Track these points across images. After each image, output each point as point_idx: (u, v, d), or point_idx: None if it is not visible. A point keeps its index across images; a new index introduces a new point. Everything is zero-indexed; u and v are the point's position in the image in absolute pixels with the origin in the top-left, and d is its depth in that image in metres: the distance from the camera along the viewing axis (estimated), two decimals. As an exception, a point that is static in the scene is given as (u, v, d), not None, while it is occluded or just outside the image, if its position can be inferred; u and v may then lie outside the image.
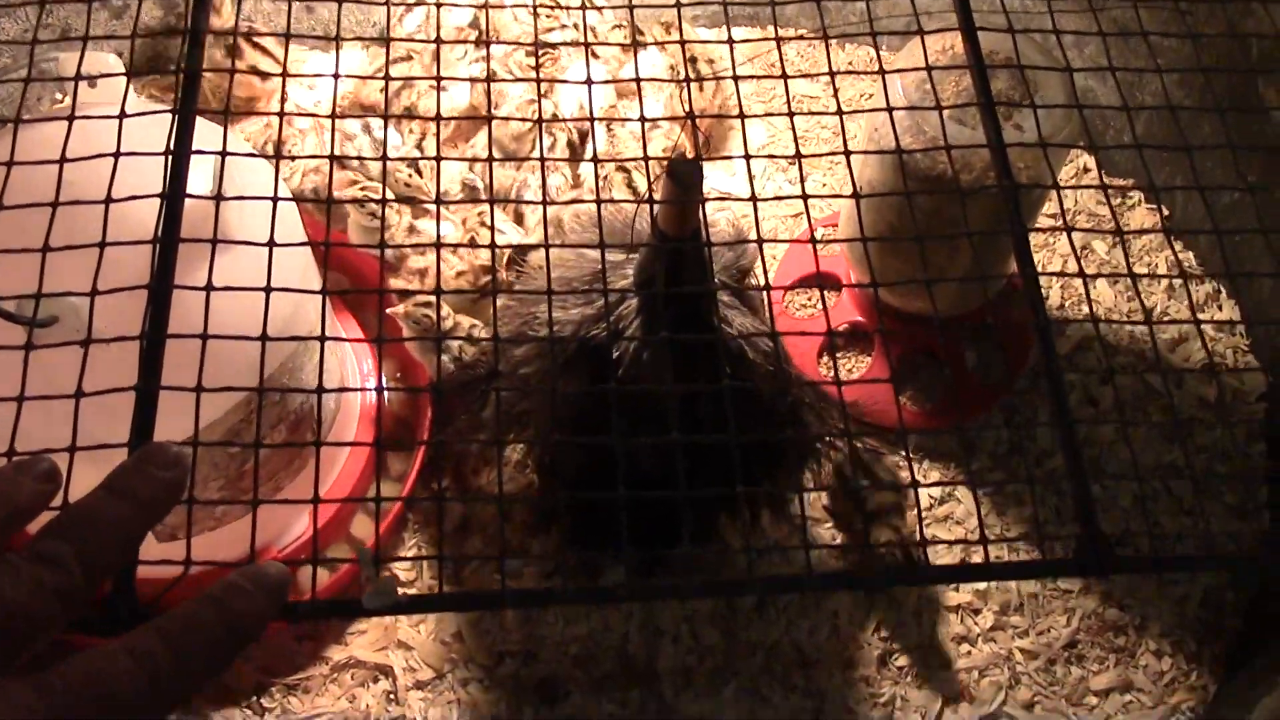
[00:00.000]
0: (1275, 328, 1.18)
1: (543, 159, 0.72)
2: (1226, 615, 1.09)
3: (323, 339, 0.66)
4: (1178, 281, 1.27)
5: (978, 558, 0.58)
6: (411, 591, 1.03)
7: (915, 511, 1.12)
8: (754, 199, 0.70)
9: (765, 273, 0.65)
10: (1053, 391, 0.66)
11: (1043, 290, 1.25)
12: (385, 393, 1.17)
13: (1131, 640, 1.08)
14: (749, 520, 1.00)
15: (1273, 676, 0.96)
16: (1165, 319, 1.25)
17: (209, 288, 0.64)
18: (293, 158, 1.16)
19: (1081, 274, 0.69)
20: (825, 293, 1.27)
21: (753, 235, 0.93)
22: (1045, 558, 1.01)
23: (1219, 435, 1.17)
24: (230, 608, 0.48)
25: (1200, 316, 1.24)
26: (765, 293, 0.66)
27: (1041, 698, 1.05)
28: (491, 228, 0.69)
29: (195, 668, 0.46)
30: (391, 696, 1.04)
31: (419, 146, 1.22)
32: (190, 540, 0.57)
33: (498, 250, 1.03)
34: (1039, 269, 1.28)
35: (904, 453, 1.14)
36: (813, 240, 0.70)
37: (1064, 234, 1.27)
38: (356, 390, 1.14)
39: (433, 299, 1.07)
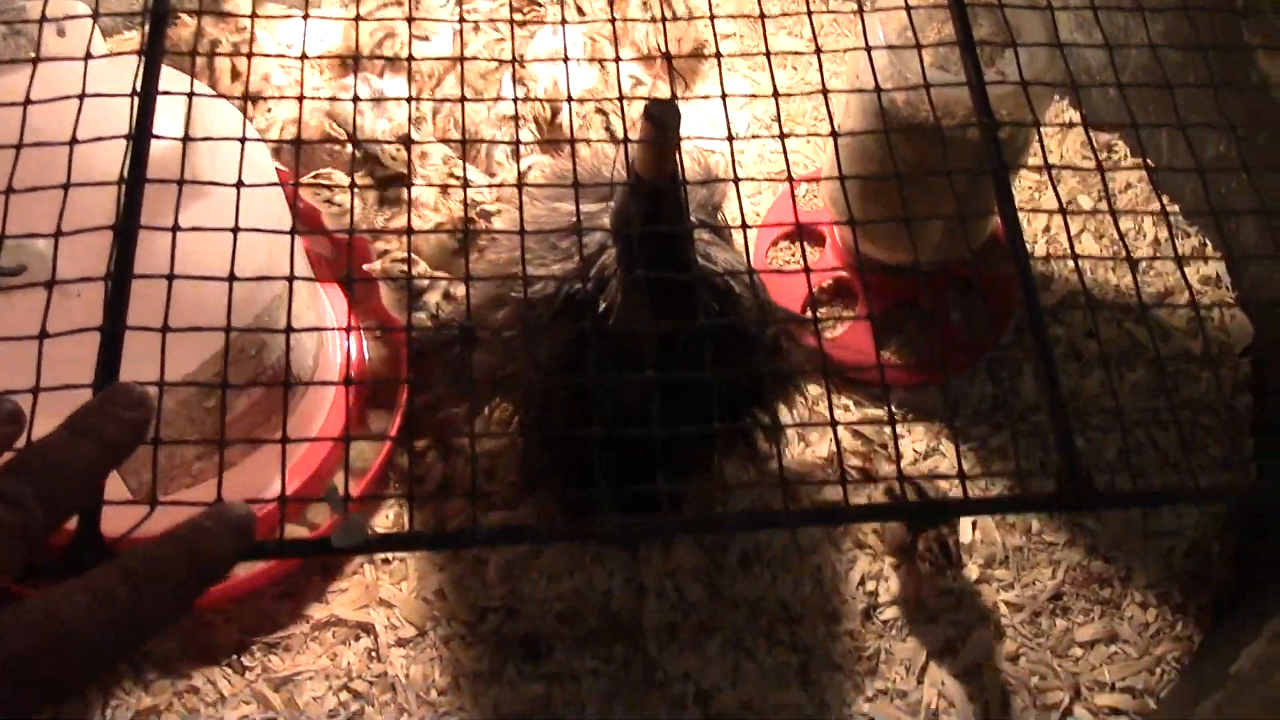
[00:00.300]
0: (1261, 279, 1.17)
1: (515, 100, 0.71)
2: (1213, 565, 1.09)
3: (291, 279, 0.65)
4: (1163, 235, 1.26)
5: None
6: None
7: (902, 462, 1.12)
8: (730, 138, 0.69)
9: (742, 212, 0.64)
10: (1034, 338, 0.65)
11: (1027, 245, 1.24)
12: (363, 344, 1.15)
13: (1117, 592, 1.08)
14: (746, 453, 1.00)
15: (1258, 625, 0.96)
16: (1151, 272, 1.24)
17: (175, 228, 0.63)
18: (261, 97, 1.14)
19: (1062, 210, 0.68)
20: (808, 247, 1.26)
21: (723, 173, 0.93)
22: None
23: (1205, 389, 1.17)
24: (195, 546, 0.47)
25: (1186, 269, 1.23)
26: (743, 230, 0.65)
27: (1026, 650, 1.05)
28: (464, 168, 0.68)
29: (158, 608, 0.44)
30: (373, 654, 1.04)
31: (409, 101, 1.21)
32: (156, 477, 0.56)
33: (470, 199, 1.01)
34: (1023, 223, 1.27)
35: (887, 406, 1.14)
36: (789, 179, 0.69)
37: (1048, 186, 1.26)
38: (328, 329, 1.12)
39: (403, 254, 1.06)
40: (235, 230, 0.64)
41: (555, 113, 1.18)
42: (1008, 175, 0.69)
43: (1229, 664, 0.96)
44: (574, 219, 0.71)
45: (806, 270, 0.64)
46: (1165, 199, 1.29)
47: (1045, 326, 0.65)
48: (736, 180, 0.66)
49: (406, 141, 0.69)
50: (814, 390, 1.13)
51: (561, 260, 0.89)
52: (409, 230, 0.65)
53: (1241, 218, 1.18)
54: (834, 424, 0.59)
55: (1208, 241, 1.26)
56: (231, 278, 0.64)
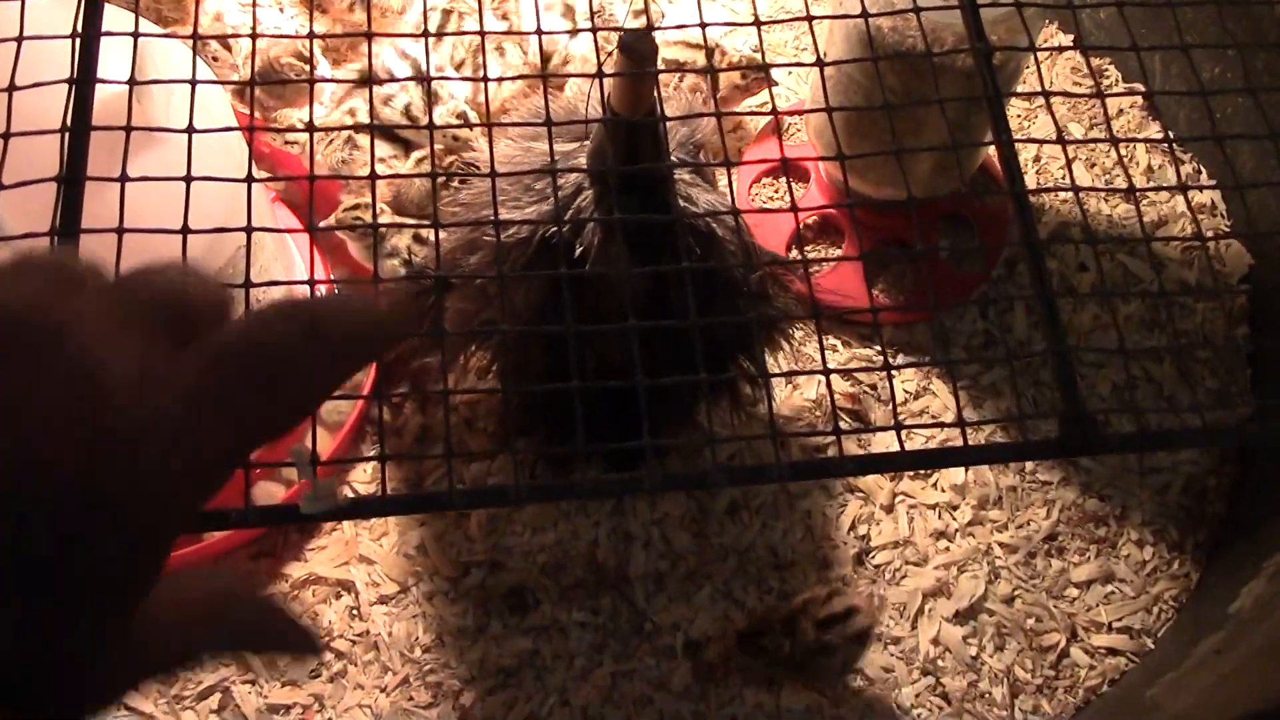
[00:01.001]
0: (1259, 207, 1.14)
1: (482, 34, 0.67)
2: (1209, 501, 1.07)
3: (249, 230, 0.61)
4: (1156, 163, 1.23)
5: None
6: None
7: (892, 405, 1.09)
8: (711, 69, 0.65)
9: (725, 148, 0.60)
10: (1032, 263, 0.62)
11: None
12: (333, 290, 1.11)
13: (1112, 531, 1.05)
14: (733, 402, 0.97)
15: (1258, 562, 0.94)
16: (1144, 201, 1.20)
17: (123, 178, 0.59)
18: (214, 37, 1.09)
19: (1061, 140, 0.64)
20: (793, 184, 1.22)
21: (703, 108, 0.89)
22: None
23: (1201, 320, 1.14)
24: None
25: (1179, 200, 1.20)
26: (726, 168, 0.61)
27: (1022, 591, 1.03)
28: (429, 109, 0.64)
29: (355, 346, 0.36)
30: (354, 612, 1.01)
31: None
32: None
33: (438, 132, 0.97)
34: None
35: (878, 345, 1.11)
36: (774, 112, 0.65)
37: (1036, 115, 1.23)
38: (292, 284, 1.08)
39: (366, 201, 1.03)
40: (188, 179, 0.61)
41: (547, 57, 1.13)
42: (1002, 102, 0.66)
43: (1228, 603, 0.94)
44: (549, 159, 0.68)
45: (794, 209, 0.61)
46: (1156, 127, 1.26)
47: (1044, 259, 0.62)
48: (719, 115, 0.63)
49: (369, 81, 0.65)
50: (799, 332, 1.10)
51: (536, 202, 0.86)
52: (373, 176, 0.61)
53: (1237, 144, 1.14)
54: (826, 372, 0.56)
55: (1202, 169, 1.22)
56: (185, 230, 0.60)
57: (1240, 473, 1.07)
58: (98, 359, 0.30)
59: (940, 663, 1.00)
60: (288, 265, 1.06)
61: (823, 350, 0.56)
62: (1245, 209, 1.17)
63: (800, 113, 1.23)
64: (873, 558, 1.04)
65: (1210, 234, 1.19)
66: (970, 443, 0.55)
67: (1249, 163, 1.14)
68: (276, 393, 0.33)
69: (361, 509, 0.58)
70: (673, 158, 0.83)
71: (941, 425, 0.53)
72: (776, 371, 0.83)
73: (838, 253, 1.17)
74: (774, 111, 0.66)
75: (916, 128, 1.00)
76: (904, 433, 0.56)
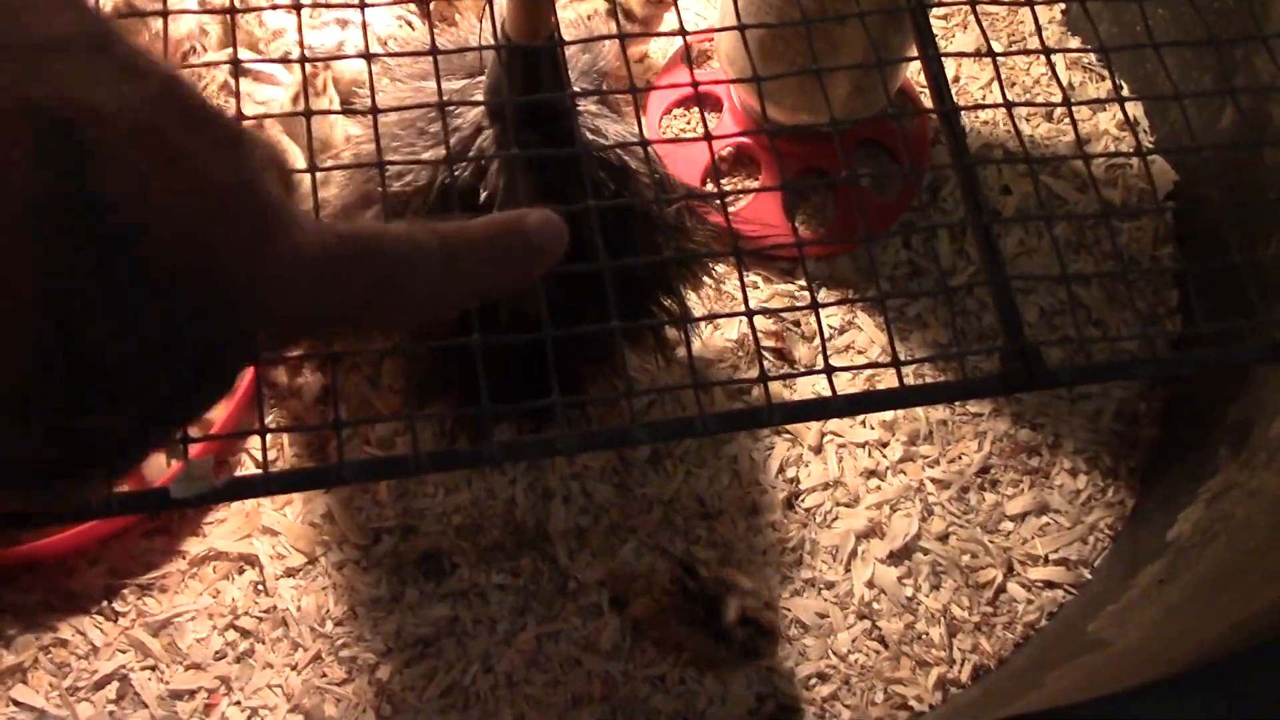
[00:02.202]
0: (1181, 121, 1.11)
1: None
2: (1141, 426, 1.04)
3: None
4: (1077, 80, 1.19)
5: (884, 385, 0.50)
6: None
7: (818, 341, 1.05)
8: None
9: (630, 75, 0.55)
10: (965, 186, 0.58)
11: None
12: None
13: (1045, 461, 1.03)
14: (657, 345, 0.92)
15: (1193, 486, 0.92)
16: (1066, 120, 1.17)
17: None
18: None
19: (992, 54, 0.60)
20: (706, 114, 1.16)
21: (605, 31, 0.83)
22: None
23: (1127, 240, 1.11)
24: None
25: (1100, 115, 1.16)
26: (633, 96, 0.55)
27: (956, 528, 1.00)
28: (300, 35, 0.57)
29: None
30: (259, 587, 0.95)
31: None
32: None
33: (311, 66, 0.90)
34: (925, 84, 1.19)
35: (800, 280, 1.06)
36: (682, 32, 0.60)
37: (958, 30, 1.18)
38: None
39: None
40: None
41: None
42: (927, 13, 0.61)
43: (1165, 530, 0.92)
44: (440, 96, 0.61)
45: (708, 137, 0.55)
46: (1077, 41, 1.22)
47: (977, 180, 0.58)
48: (621, 38, 0.57)
49: (232, 10, 0.58)
50: (719, 268, 1.05)
51: (433, 146, 0.79)
52: (238, 116, 0.55)
53: (1159, 58, 1.11)
54: (750, 313, 0.51)
55: (1124, 84, 1.19)
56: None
57: (1172, 395, 1.05)
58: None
59: (876, 605, 0.97)
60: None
61: (744, 289, 0.51)
62: (1166, 123, 1.14)
63: (710, 32, 1.17)
64: (802, 501, 1.00)
65: (1140, 149, 1.16)
66: (904, 382, 0.51)
67: (1172, 73, 1.10)
68: (394, 292, 0.36)
69: (241, 489, 0.52)
70: (575, 87, 0.77)
71: (875, 365, 0.49)
72: (697, 315, 0.77)
73: (756, 184, 1.11)
74: (682, 31, 0.60)
75: (833, 48, 0.95)
76: (834, 374, 0.52)
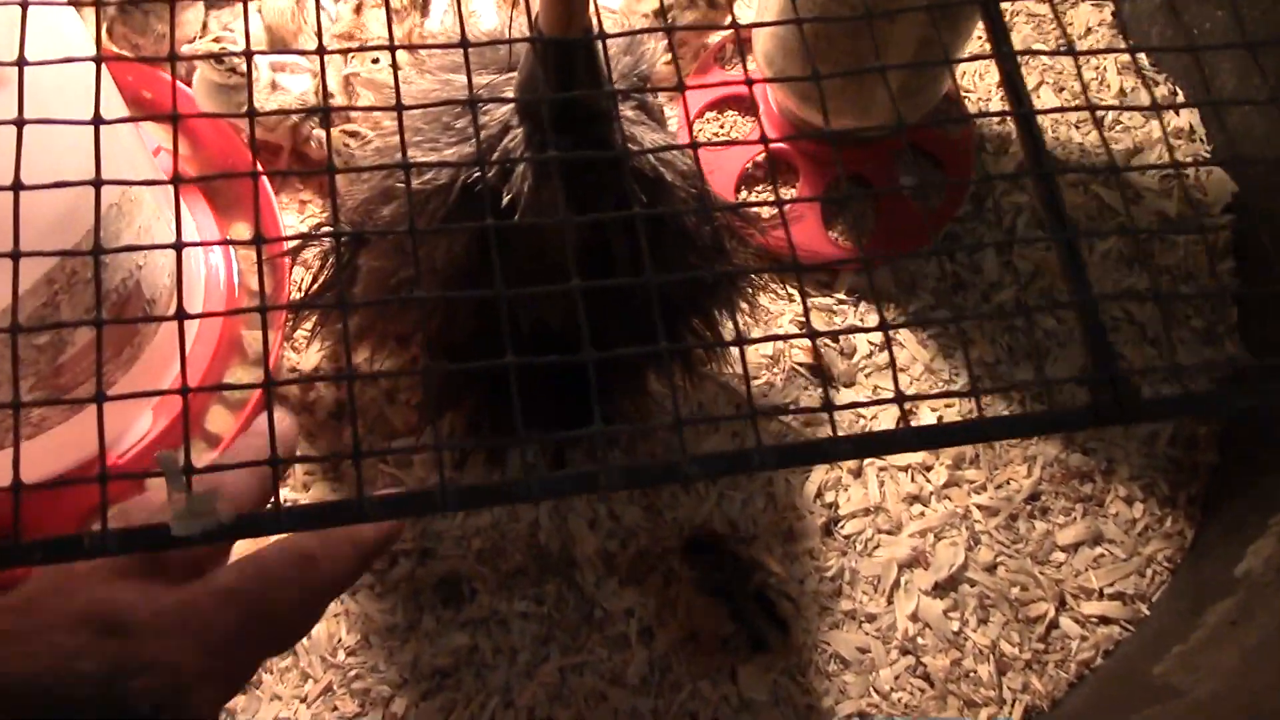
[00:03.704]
0: (1241, 130, 1.05)
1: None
2: (1200, 451, 0.99)
3: (97, 184, 0.49)
4: (1129, 85, 1.13)
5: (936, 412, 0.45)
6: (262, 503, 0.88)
7: (857, 358, 1.00)
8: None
9: (678, 68, 0.49)
10: (1045, 194, 0.52)
11: (981, 105, 1.10)
12: (232, 258, 0.99)
13: (1099, 487, 0.97)
14: (685, 368, 0.86)
15: (1262, 518, 0.86)
16: (1117, 127, 1.11)
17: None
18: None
19: (1073, 52, 0.54)
20: (738, 118, 1.11)
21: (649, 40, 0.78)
22: (1037, 407, 0.90)
23: (1183, 255, 1.05)
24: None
25: (1154, 124, 1.11)
26: (680, 95, 0.50)
27: (1004, 558, 0.94)
28: (319, 27, 0.52)
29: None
30: (268, 614, 0.90)
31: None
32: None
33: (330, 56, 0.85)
34: (971, 88, 1.14)
35: (838, 294, 1.01)
36: (734, 25, 0.54)
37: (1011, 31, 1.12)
38: (162, 248, 0.95)
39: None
40: (20, 123, 0.48)
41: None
42: (999, 6, 0.56)
43: (1233, 564, 0.86)
44: (471, 92, 0.56)
45: (764, 140, 0.50)
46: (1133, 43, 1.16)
47: (1058, 189, 0.52)
48: (670, 29, 0.51)
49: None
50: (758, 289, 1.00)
51: (457, 143, 0.74)
52: (250, 112, 0.50)
53: (1219, 65, 1.05)
54: (813, 335, 0.45)
55: (1179, 91, 1.13)
56: (17, 186, 0.48)
57: (1231, 418, 0.99)
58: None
59: (920, 640, 0.91)
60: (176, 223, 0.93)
61: (806, 307, 0.46)
62: (1224, 131, 1.09)
63: (764, 25, 1.11)
64: (842, 527, 0.95)
65: (1182, 160, 1.10)
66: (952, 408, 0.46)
67: (1230, 81, 1.05)
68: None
69: (250, 527, 0.47)
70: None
71: (952, 394, 0.43)
72: (738, 335, 0.72)
73: (791, 192, 1.06)
74: (734, 25, 0.55)
75: (881, 48, 0.89)
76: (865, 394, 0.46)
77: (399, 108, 0.52)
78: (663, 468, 0.46)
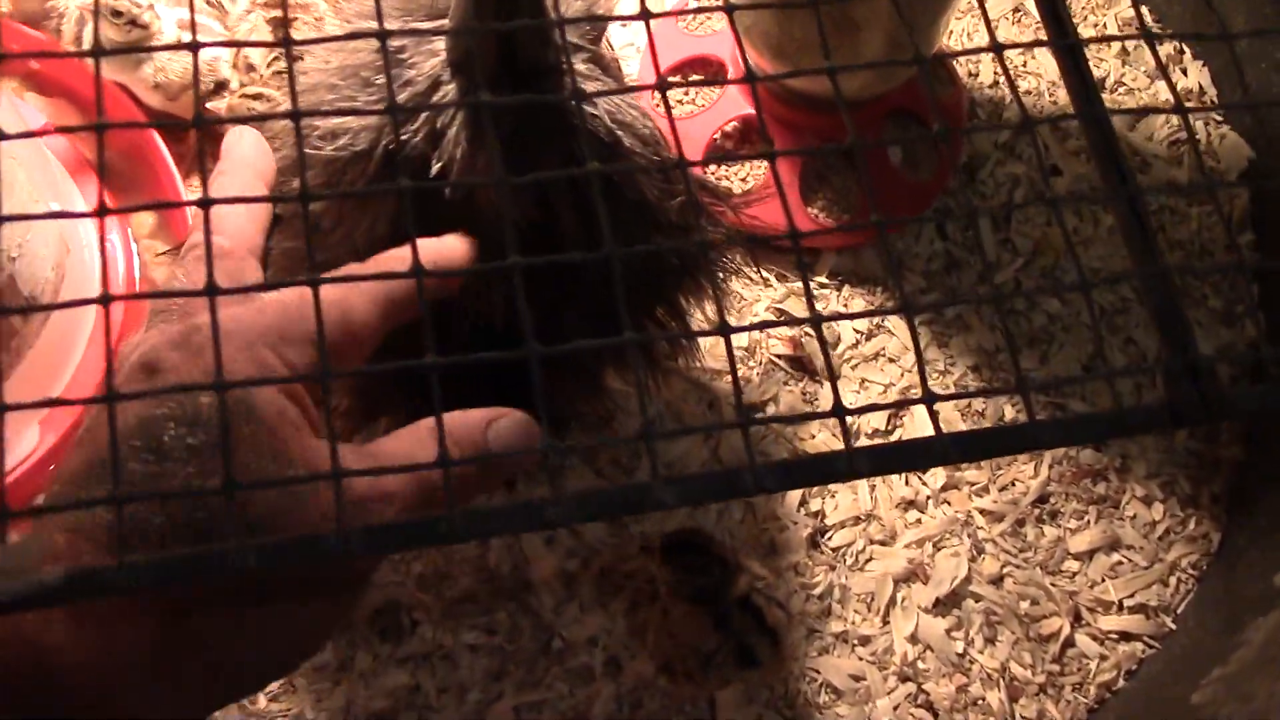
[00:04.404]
0: (1257, 87, 0.96)
1: None
2: (1222, 444, 0.89)
3: None
4: (1131, 45, 1.03)
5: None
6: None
7: (841, 348, 0.89)
8: None
9: (645, 10, 0.38)
10: (1098, 142, 0.42)
11: (970, 68, 1.00)
12: (131, 245, 0.87)
13: (1114, 487, 0.87)
14: (649, 364, 0.76)
15: (1302, 520, 0.77)
16: (1120, 90, 1.01)
17: None
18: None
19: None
20: (706, 84, 1.00)
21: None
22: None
23: (1197, 227, 0.95)
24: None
25: (1163, 82, 1.01)
26: (646, 23, 0.39)
27: (1012, 568, 0.84)
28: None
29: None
30: (178, 654, 0.78)
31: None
32: None
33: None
34: (959, 44, 1.04)
35: (821, 276, 0.90)
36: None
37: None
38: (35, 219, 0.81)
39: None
40: None
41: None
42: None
43: (1270, 572, 0.76)
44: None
45: (751, 79, 0.39)
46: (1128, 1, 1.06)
47: (1115, 136, 0.42)
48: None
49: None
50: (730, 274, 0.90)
51: (377, 101, 0.63)
52: (96, 50, 0.39)
53: (1231, 17, 0.96)
54: (818, 319, 0.35)
55: (1185, 48, 1.03)
56: None
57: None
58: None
59: (921, 665, 0.81)
60: (66, 205, 0.82)
61: (808, 287, 0.35)
62: (1238, 90, 0.99)
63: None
64: (829, 539, 0.84)
65: (1192, 124, 1.00)
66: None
67: (1243, 39, 0.95)
68: None
69: (88, 584, 0.36)
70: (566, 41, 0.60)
71: (991, 393, 0.33)
72: (749, 323, 0.62)
73: (764, 165, 0.95)
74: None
75: (862, 4, 0.79)
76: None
77: (288, 42, 0.41)
78: (629, 493, 0.35)
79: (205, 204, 0.37)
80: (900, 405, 0.37)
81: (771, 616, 0.78)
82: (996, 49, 0.45)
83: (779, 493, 0.84)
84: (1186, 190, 0.97)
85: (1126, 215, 0.42)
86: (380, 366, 0.40)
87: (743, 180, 0.95)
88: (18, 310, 0.73)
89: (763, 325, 0.36)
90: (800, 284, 0.91)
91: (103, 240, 0.34)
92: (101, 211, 0.39)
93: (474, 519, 0.34)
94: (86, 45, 0.87)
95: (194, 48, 0.40)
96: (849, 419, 0.39)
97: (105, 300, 0.38)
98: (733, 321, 0.84)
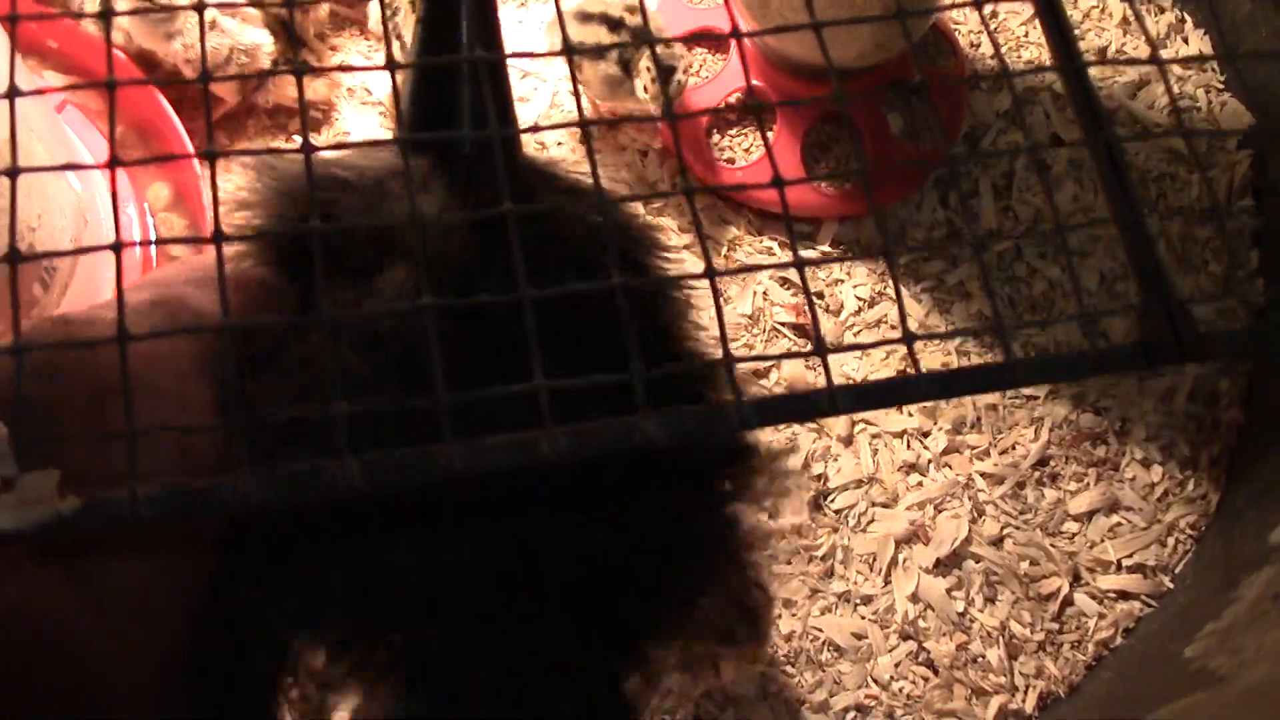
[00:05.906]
0: (1256, 58, 0.97)
1: None
2: (1222, 408, 0.90)
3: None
4: (1131, 14, 1.04)
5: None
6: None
7: (844, 315, 0.91)
8: None
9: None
10: (1080, 98, 0.44)
11: (972, 39, 1.01)
12: (147, 213, 0.89)
13: (1113, 450, 0.88)
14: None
15: (1296, 479, 0.78)
16: (1121, 59, 1.02)
17: None
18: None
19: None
20: (709, 55, 1.01)
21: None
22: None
23: (1197, 193, 0.96)
24: None
25: (1163, 53, 1.02)
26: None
27: (1012, 530, 0.85)
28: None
29: None
30: None
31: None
32: None
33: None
34: (961, 19, 1.04)
35: (822, 246, 0.92)
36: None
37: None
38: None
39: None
40: None
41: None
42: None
43: (1265, 531, 0.77)
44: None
45: (748, 82, 0.41)
46: (1129, -29, 1.07)
47: (1090, 83, 0.44)
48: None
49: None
50: (731, 231, 0.91)
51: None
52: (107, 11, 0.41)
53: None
54: (799, 261, 0.36)
55: (1186, 17, 1.04)
56: None
57: (1256, 371, 0.90)
58: None
59: (922, 623, 0.83)
60: (83, 176, 0.83)
61: (791, 233, 0.37)
62: (1238, 59, 1.00)
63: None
64: (832, 501, 0.86)
65: (1192, 93, 1.01)
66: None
67: (1244, 4, 0.96)
68: None
69: (98, 518, 0.38)
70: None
71: (964, 334, 0.34)
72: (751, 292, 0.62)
73: (768, 136, 0.97)
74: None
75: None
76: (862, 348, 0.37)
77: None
78: (620, 429, 0.37)
79: (211, 156, 0.38)
80: (880, 345, 0.38)
81: (750, 601, 0.79)
82: (977, 2, 0.47)
83: (765, 443, 0.85)
84: (1159, 135, 0.97)
85: (1103, 161, 0.43)
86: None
87: (746, 151, 0.96)
88: (41, 255, 0.75)
89: (749, 268, 0.38)
90: (803, 251, 0.92)
91: (113, 181, 0.34)
92: (114, 163, 0.41)
93: (473, 452, 0.36)
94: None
95: (200, 8, 0.42)
96: (840, 376, 0.40)
97: (116, 247, 0.40)
98: (735, 289, 0.86)
